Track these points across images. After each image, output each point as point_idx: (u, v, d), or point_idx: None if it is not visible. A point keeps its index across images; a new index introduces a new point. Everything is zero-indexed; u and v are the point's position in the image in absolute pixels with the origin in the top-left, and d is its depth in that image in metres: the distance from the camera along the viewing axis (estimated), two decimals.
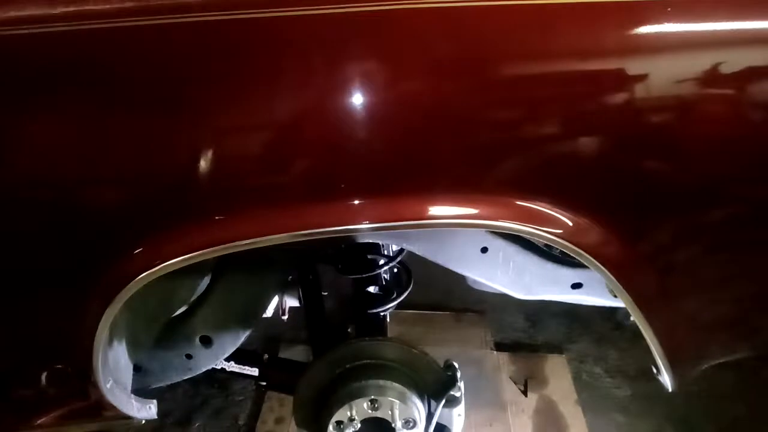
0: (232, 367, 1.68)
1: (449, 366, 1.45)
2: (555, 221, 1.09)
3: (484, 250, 1.47)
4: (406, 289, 1.70)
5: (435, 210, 1.07)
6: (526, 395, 2.38)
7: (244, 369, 1.67)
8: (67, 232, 1.05)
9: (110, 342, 1.32)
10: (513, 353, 2.59)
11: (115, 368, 1.34)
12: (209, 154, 1.00)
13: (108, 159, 0.99)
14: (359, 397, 1.35)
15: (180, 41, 0.96)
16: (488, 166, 1.07)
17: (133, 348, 1.47)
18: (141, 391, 1.47)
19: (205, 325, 1.52)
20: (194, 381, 2.36)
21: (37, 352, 1.20)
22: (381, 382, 1.37)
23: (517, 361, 2.55)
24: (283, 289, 1.76)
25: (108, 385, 1.21)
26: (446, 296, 2.81)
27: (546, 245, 1.48)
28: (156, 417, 1.45)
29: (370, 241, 1.59)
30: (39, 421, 1.25)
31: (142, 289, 1.09)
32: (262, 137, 1.02)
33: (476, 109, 1.02)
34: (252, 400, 2.36)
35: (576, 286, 1.54)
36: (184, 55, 0.96)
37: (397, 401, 1.36)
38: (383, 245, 1.68)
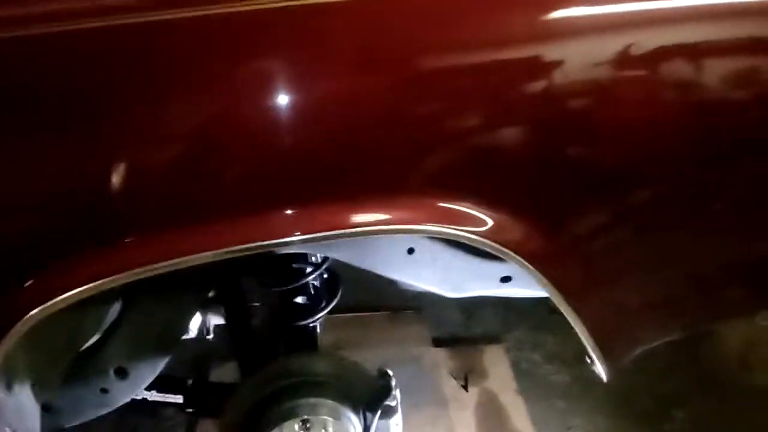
0: (154, 396, 1.57)
1: (383, 374, 1.39)
2: (476, 220, 1.06)
3: (411, 251, 1.41)
4: (335, 297, 1.63)
5: (359, 217, 1.01)
6: (467, 390, 2.35)
7: (167, 397, 1.57)
8: None
9: (9, 387, 1.20)
10: (451, 348, 2.55)
11: (18, 415, 1.22)
12: (117, 169, 0.92)
13: None
14: (289, 419, 1.27)
15: (80, 48, 0.87)
16: (409, 165, 1.03)
17: (40, 388, 1.34)
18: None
19: (119, 356, 1.41)
20: (119, 409, 2.23)
21: None
22: (311, 400, 1.30)
23: (455, 355, 2.52)
24: (205, 308, 1.66)
25: None
26: (380, 296, 2.74)
27: None
28: None
29: (294, 251, 1.51)
30: None
31: (42, 324, 0.98)
32: (173, 149, 0.95)
33: (392, 106, 0.98)
34: (185, 427, 2.24)
35: (505, 279, 1.50)
36: (85, 63, 0.88)
37: (330, 419, 1.29)
38: (308, 254, 1.61)
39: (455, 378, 2.41)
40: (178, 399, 1.59)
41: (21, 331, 0.98)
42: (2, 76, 0.87)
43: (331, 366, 1.34)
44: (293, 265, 1.58)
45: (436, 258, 1.45)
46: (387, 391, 1.36)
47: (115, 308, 1.39)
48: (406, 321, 2.70)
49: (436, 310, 2.77)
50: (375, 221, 1.03)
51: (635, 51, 1.01)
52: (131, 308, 1.38)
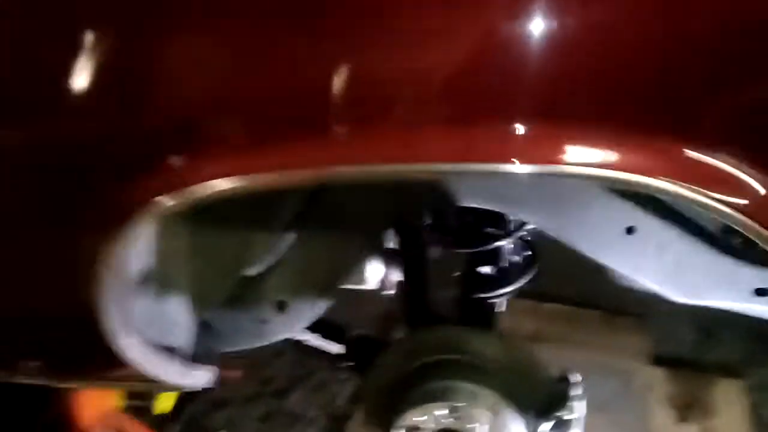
0: (315, 340, 1.46)
1: (563, 378, 1.11)
2: (739, 186, 0.72)
3: (630, 230, 1.10)
4: (526, 276, 1.36)
5: (572, 153, 0.74)
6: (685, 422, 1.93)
7: (329, 344, 1.44)
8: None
9: (160, 295, 1.16)
10: (673, 370, 2.13)
11: (163, 327, 1.17)
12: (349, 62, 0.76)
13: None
14: (436, 401, 1.05)
15: None
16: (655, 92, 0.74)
17: (201, 303, 1.30)
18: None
19: (280, 289, 1.31)
20: (302, 349, 2.21)
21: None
22: (467, 385, 1.07)
23: (677, 380, 2.10)
24: (387, 260, 1.50)
25: (127, 340, 1.02)
26: (598, 291, 2.38)
27: (724, 229, 1.07)
28: (200, 387, 1.26)
29: (488, 208, 1.26)
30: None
31: (212, 236, 0.94)
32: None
33: None
34: (356, 384, 2.15)
35: (762, 292, 1.11)
36: None
37: (488, 413, 1.04)
38: (506, 218, 1.36)
39: (672, 407, 1.99)
40: (339, 349, 1.46)
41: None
42: None
43: (500, 351, 1.09)
44: (484, 228, 1.35)
45: (664, 246, 1.11)
46: (562, 400, 1.07)
47: (288, 241, 1.29)
48: (622, 327, 2.32)
49: (664, 322, 2.33)
50: (598, 162, 0.74)
51: None
52: (300, 241, 1.27)
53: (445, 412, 1.05)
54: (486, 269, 1.40)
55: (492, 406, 1.05)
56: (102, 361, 1.05)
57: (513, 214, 1.19)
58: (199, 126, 0.81)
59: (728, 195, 0.72)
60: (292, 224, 1.26)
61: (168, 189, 0.81)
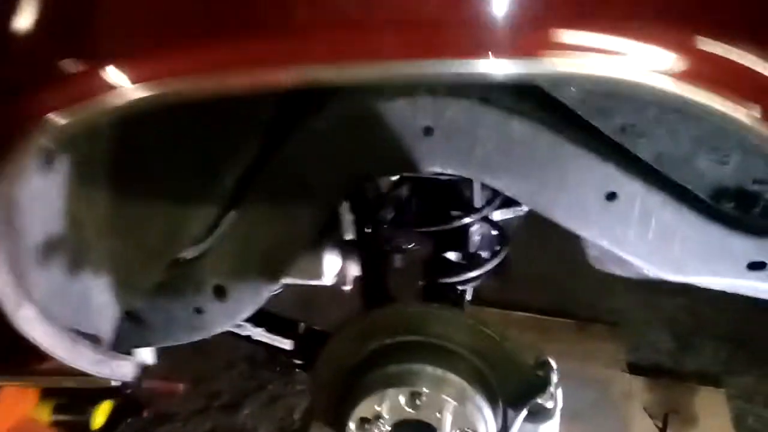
0: (261, 335, 1.30)
1: (542, 363, 0.97)
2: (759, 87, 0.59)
3: (611, 196, 0.97)
4: (495, 259, 1.23)
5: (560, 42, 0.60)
6: None
7: (275, 340, 1.28)
8: None
9: (73, 269, 1.00)
10: (652, 379, 2.01)
11: (81, 308, 1.01)
12: None
13: None
14: (394, 386, 0.90)
15: None
16: None
17: (126, 289, 1.14)
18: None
19: (218, 272, 1.16)
20: (253, 361, 2.04)
21: None
22: (430, 368, 0.92)
23: (656, 388, 1.99)
24: (340, 251, 1.36)
25: (24, 313, 0.86)
26: (569, 300, 2.27)
27: (714, 194, 0.96)
28: (125, 379, 1.09)
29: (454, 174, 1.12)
30: None
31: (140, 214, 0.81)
32: None
33: None
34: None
35: (756, 266, 0.99)
36: None
37: (452, 401, 0.89)
38: (471, 195, 1.23)
39: (650, 416, 1.86)
40: (286, 345, 1.30)
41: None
42: None
43: (467, 332, 0.95)
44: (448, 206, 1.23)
45: (648, 213, 0.98)
46: (541, 387, 0.93)
47: (228, 218, 1.14)
48: (596, 335, 2.20)
49: (640, 330, 2.21)
50: (592, 56, 0.59)
51: None
52: (240, 216, 1.12)
53: (402, 399, 0.89)
54: (452, 254, 1.27)
55: (456, 393, 0.90)
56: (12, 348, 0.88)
57: (482, 181, 1.05)
58: (92, 27, 0.66)
59: (744, 97, 0.59)
60: (233, 196, 1.12)
61: (61, 103, 0.66)
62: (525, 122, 0.93)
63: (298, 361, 1.31)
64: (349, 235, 1.31)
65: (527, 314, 2.27)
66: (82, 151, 0.93)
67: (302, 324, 1.31)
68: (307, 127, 1.00)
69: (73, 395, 1.81)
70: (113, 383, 1.09)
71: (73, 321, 1.00)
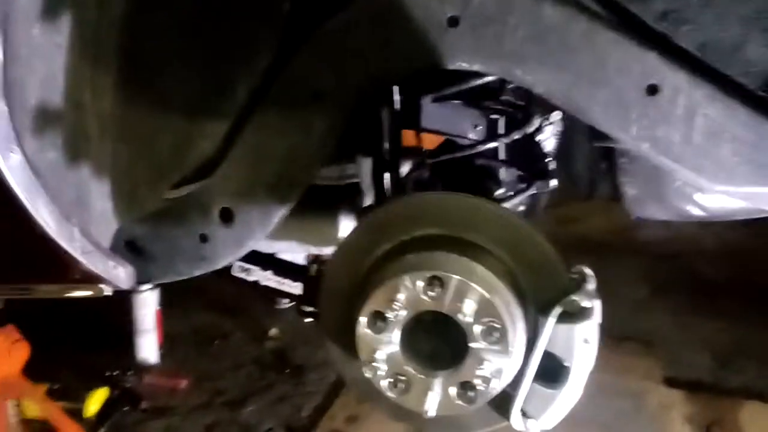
0: (269, 279, 1.20)
1: (580, 271, 0.86)
2: None
3: (653, 90, 0.89)
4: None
5: None
6: None
7: (284, 283, 1.19)
8: None
9: (76, 158, 0.94)
10: (692, 392, 1.84)
11: (79, 208, 0.95)
12: None
13: None
14: (414, 270, 0.80)
15: None
16: None
17: (129, 205, 1.08)
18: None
19: (226, 191, 1.08)
20: (262, 363, 1.93)
21: None
22: (453, 255, 0.82)
23: (697, 401, 1.83)
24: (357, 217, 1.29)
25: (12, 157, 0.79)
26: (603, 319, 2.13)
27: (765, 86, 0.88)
28: (119, 285, 1.01)
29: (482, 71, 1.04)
30: None
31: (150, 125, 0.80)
32: None
33: None
34: (324, 395, 1.85)
35: None
36: None
37: (477, 287, 0.79)
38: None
39: (693, 427, 1.69)
40: (296, 288, 1.20)
41: None
42: None
43: (498, 222, 0.85)
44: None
45: (695, 108, 0.90)
46: (578, 285, 0.82)
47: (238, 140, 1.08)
48: (629, 351, 2.05)
49: (674, 349, 2.06)
50: None
51: None
52: (249, 130, 1.05)
53: (420, 285, 0.79)
54: None
55: (484, 283, 0.80)
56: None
57: (512, 77, 0.98)
58: None
59: None
60: (244, 114, 1.06)
61: None
62: (558, 7, 0.88)
63: (308, 308, 1.21)
64: (367, 201, 1.24)
65: None
66: (90, 13, 0.89)
67: (314, 266, 1.21)
68: (324, 30, 0.96)
69: (67, 379, 1.71)
70: (106, 292, 0.99)
71: (69, 214, 0.93)
